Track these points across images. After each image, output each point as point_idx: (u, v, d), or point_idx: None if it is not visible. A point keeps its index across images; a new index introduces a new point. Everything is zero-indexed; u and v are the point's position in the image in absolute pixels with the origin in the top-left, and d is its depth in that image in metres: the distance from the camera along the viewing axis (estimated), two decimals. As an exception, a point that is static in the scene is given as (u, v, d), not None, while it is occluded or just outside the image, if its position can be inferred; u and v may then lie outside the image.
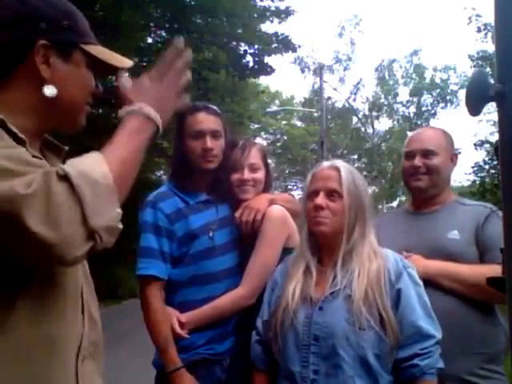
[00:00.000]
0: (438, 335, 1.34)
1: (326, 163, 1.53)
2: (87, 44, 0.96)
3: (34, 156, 0.86)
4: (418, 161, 1.73)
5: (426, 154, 1.72)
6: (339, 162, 1.51)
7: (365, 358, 1.30)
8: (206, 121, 1.74)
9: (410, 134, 2.00)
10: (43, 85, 0.89)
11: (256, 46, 11.38)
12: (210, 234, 1.73)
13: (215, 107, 1.83)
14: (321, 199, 1.43)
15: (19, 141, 0.83)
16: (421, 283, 1.40)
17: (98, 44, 0.98)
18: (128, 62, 1.01)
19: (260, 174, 1.81)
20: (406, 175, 1.80)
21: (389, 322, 1.31)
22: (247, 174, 1.77)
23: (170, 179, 1.83)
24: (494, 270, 1.27)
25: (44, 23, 0.89)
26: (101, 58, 0.96)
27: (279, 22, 11.84)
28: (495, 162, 8.89)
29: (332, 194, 1.44)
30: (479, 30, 11.62)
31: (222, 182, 1.80)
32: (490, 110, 8.64)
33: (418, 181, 1.74)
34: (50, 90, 0.89)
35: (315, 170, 1.53)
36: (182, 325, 1.64)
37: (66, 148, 1.01)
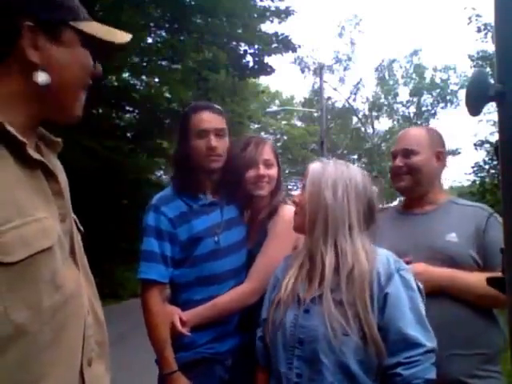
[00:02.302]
0: (429, 344, 1.25)
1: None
2: (78, 21, 0.87)
3: (33, 159, 0.81)
4: (398, 161, 1.74)
5: (407, 153, 1.73)
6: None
7: (346, 365, 1.24)
8: (211, 119, 1.72)
9: None
10: (34, 71, 0.81)
11: (256, 46, 11.39)
12: (216, 239, 1.71)
13: (218, 106, 1.81)
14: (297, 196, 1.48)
15: (19, 143, 0.77)
16: (415, 287, 1.32)
17: (91, 20, 0.90)
18: (126, 36, 0.92)
19: (274, 171, 1.82)
20: (391, 176, 1.83)
21: (369, 332, 1.24)
22: (263, 170, 1.77)
23: (172, 181, 1.79)
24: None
25: (28, 4, 0.81)
26: (94, 35, 0.88)
27: (279, 22, 11.86)
28: (495, 162, 8.88)
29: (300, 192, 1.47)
30: (479, 30, 11.59)
31: (227, 182, 1.77)
32: (490, 110, 8.64)
33: (400, 181, 1.75)
34: (41, 77, 0.81)
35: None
36: (183, 323, 1.63)
37: (61, 141, 0.95)
